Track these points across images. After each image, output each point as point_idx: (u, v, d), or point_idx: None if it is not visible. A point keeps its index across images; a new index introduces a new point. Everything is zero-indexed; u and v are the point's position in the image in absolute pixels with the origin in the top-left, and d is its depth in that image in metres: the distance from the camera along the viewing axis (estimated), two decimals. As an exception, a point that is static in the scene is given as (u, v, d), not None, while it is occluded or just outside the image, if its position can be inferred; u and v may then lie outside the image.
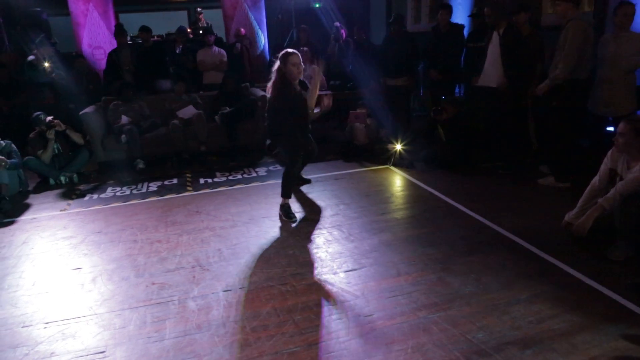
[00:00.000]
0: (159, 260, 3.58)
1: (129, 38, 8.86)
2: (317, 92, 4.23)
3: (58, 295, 3.17)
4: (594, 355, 2.36)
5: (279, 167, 5.94)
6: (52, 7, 9.72)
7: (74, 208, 4.83)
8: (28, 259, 3.74)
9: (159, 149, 6.26)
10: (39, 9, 9.72)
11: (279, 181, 5.27)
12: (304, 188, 5.02)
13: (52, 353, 2.57)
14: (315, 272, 3.27)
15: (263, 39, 9.02)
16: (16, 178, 5.20)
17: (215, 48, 7.61)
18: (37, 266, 3.62)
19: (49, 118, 5.50)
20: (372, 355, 2.43)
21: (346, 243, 3.70)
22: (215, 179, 5.55)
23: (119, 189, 5.37)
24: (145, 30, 7.26)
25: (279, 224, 4.13)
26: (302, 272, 3.27)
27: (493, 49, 4.98)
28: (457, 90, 7.01)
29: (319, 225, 4.05)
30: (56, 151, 5.59)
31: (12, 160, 5.04)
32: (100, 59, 8.42)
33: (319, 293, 3.01)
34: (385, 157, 5.79)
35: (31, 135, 5.55)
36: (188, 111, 6.35)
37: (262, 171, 5.79)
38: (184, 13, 12.92)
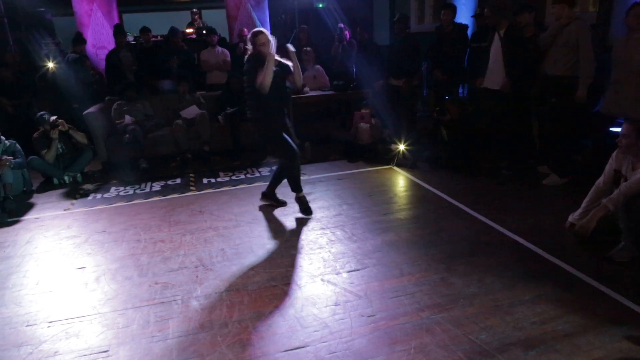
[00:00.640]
0: (162, 259, 3.59)
1: (132, 38, 8.89)
2: (299, 71, 4.22)
3: (62, 295, 3.18)
4: (597, 356, 2.36)
5: (282, 167, 5.94)
6: (56, 7, 9.75)
7: (78, 207, 4.84)
8: (32, 258, 3.75)
9: (162, 149, 6.28)
10: (43, 9, 9.76)
11: (282, 181, 5.31)
12: (306, 189, 5.02)
13: (55, 352, 2.58)
14: (319, 272, 3.27)
15: (266, 39, 9.01)
16: (20, 177, 5.22)
17: (219, 48, 7.62)
18: (41, 265, 3.63)
19: (53, 118, 5.51)
20: (375, 356, 2.43)
21: (349, 243, 3.70)
22: (219, 179, 5.56)
23: (122, 188, 5.38)
24: (145, 31, 7.31)
25: (282, 224, 4.14)
26: (305, 272, 3.28)
27: (495, 50, 4.99)
28: (460, 90, 7.00)
29: (322, 226, 4.05)
30: (60, 151, 5.60)
31: (17, 159, 5.05)
32: (103, 59, 8.43)
33: (322, 293, 3.01)
34: (388, 158, 5.79)
35: (35, 134, 5.56)
36: (191, 111, 6.37)
37: (265, 171, 5.79)
38: (188, 13, 12.94)
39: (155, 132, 6.28)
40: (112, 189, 5.41)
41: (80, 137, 5.68)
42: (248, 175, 5.65)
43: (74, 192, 5.30)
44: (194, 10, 10.33)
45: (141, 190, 5.31)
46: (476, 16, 6.63)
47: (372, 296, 2.95)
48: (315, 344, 2.53)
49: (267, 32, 4.03)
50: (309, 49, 7.20)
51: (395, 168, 5.61)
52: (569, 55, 4.48)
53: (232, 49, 8.00)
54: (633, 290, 2.87)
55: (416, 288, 3.02)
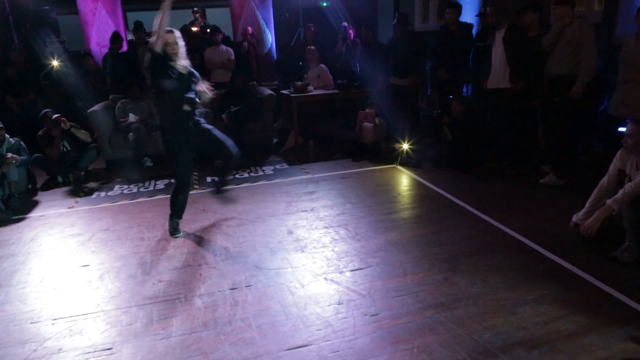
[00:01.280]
0: (166, 258, 3.59)
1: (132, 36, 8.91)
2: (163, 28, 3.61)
3: (66, 292, 3.19)
4: (602, 357, 2.35)
5: (286, 166, 5.95)
6: (61, 5, 9.77)
7: (82, 205, 4.86)
8: (36, 256, 3.77)
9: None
10: (47, 7, 9.78)
11: (286, 180, 5.34)
12: (309, 187, 5.02)
13: (59, 349, 2.59)
14: (322, 271, 3.27)
15: (270, 38, 9.02)
16: (25, 175, 5.24)
17: (223, 46, 7.63)
18: (45, 263, 3.65)
19: (55, 115, 5.52)
20: (377, 355, 2.42)
21: (353, 242, 3.69)
22: (222, 178, 5.55)
23: (126, 186, 5.40)
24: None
25: (285, 222, 4.14)
26: (309, 271, 3.28)
27: (496, 50, 4.99)
28: (464, 89, 6.97)
29: (325, 224, 4.05)
30: (64, 149, 5.62)
31: (21, 157, 5.07)
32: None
33: (325, 292, 3.01)
34: (392, 157, 5.78)
35: (39, 132, 5.59)
36: (195, 110, 6.37)
37: (268, 170, 5.79)
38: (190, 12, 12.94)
39: (159, 130, 6.29)
40: (116, 187, 5.42)
41: (82, 135, 5.69)
42: (252, 174, 5.66)
43: (78, 190, 5.31)
44: (195, 9, 10.32)
45: (145, 188, 5.32)
46: (481, 15, 6.60)
47: (375, 295, 2.95)
48: (319, 342, 2.53)
49: (174, 33, 3.72)
50: (312, 47, 7.20)
51: (399, 167, 5.61)
52: (572, 55, 4.46)
53: (236, 47, 8.01)
54: (638, 291, 2.86)
55: (419, 287, 3.01)
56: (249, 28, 8.43)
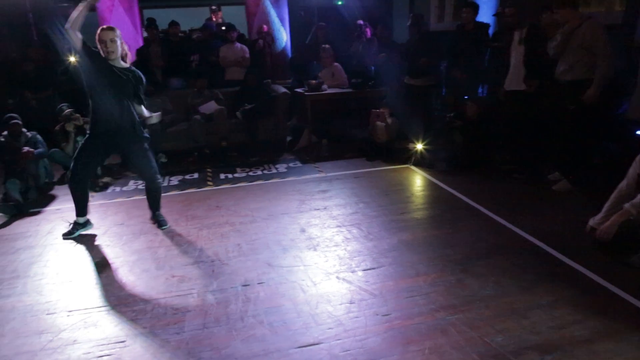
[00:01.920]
0: (179, 253, 3.62)
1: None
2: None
3: (81, 285, 3.23)
4: (617, 363, 2.32)
5: (299, 164, 5.96)
6: (79, 2, 9.88)
7: (97, 200, 4.92)
8: (53, 249, 3.83)
9: (180, 144, 6.34)
10: (66, 4, 9.90)
11: (299, 178, 5.35)
12: (322, 186, 5.02)
13: (74, 340, 2.63)
14: (334, 269, 3.27)
15: (285, 36, 9.03)
16: (42, 169, 5.32)
17: (238, 44, 7.66)
18: (61, 256, 3.70)
19: (68, 111, 5.59)
20: (388, 355, 2.42)
21: (365, 242, 3.69)
22: (236, 175, 5.59)
23: (140, 182, 5.44)
24: (173, 24, 7.39)
25: (298, 221, 4.14)
26: (321, 269, 3.28)
27: (515, 51, 4.91)
28: (480, 90, 6.92)
29: (338, 223, 4.05)
30: (79, 144, 5.67)
31: (39, 150, 5.15)
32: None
33: (337, 291, 3.01)
34: (405, 156, 5.76)
35: (56, 127, 5.66)
36: (210, 107, 6.41)
37: (282, 168, 5.81)
38: (206, 9, 13.01)
39: (174, 127, 6.34)
40: (131, 182, 5.48)
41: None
42: (265, 172, 5.68)
43: (94, 185, 5.36)
44: (213, 7, 10.36)
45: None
46: (498, 15, 6.54)
47: (387, 295, 2.94)
48: (330, 341, 2.54)
49: (112, 32, 3.67)
50: (327, 46, 7.19)
51: (413, 167, 5.59)
52: (585, 58, 4.26)
53: (251, 45, 8.03)
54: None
55: (431, 288, 3.00)
56: (264, 26, 8.45)
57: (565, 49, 4.35)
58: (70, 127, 5.57)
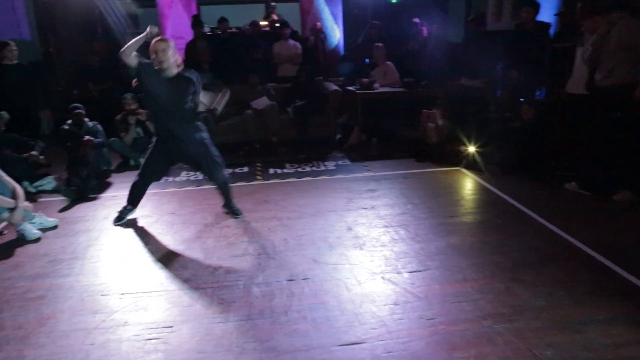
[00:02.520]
0: (227, 245, 3.70)
1: (208, 29, 9.20)
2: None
3: (133, 269, 3.37)
4: (679, 387, 2.18)
5: (348, 162, 5.95)
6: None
7: (151, 189, 5.06)
8: (108, 233, 4.00)
9: (231, 137, 6.47)
10: (129, 0, 10.32)
11: (348, 176, 5.34)
12: (370, 185, 4.98)
13: (125, 322, 2.74)
14: (379, 270, 3.25)
15: (338, 34, 9.05)
16: (102, 157, 5.58)
17: (291, 41, 7.73)
18: (115, 240, 3.87)
19: (134, 106, 5.83)
20: (432, 360, 2.38)
21: (412, 243, 3.64)
22: (285, 170, 5.65)
23: (192, 173, 5.60)
24: (222, 20, 7.55)
25: (344, 219, 4.14)
26: (366, 269, 3.26)
27: (583, 52, 4.66)
28: (537, 93, 6.65)
29: (385, 223, 4.01)
30: (137, 135, 5.92)
31: (98, 139, 5.41)
32: (180, 49, 8.79)
33: (382, 291, 2.98)
34: (457, 159, 5.63)
35: (117, 117, 5.92)
36: (262, 102, 6.51)
37: (330, 165, 5.82)
38: (262, 6, 13.20)
39: (226, 120, 6.48)
40: (183, 173, 5.65)
41: (153, 128, 5.96)
42: (314, 168, 5.71)
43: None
44: (272, 4, 10.49)
45: (210, 176, 5.49)
46: (560, 14, 6.26)
47: (432, 299, 2.89)
48: (372, 341, 2.52)
49: (164, 43, 3.72)
50: (380, 44, 7.14)
51: (464, 170, 5.45)
52: (626, 58, 4.04)
53: (304, 42, 8.09)
54: None
55: (479, 295, 2.92)
56: (318, 23, 8.49)
57: (599, 57, 4.18)
58: (132, 120, 5.82)
